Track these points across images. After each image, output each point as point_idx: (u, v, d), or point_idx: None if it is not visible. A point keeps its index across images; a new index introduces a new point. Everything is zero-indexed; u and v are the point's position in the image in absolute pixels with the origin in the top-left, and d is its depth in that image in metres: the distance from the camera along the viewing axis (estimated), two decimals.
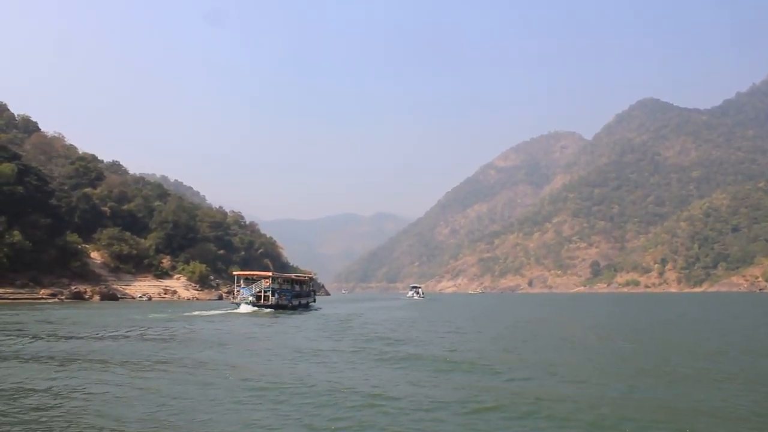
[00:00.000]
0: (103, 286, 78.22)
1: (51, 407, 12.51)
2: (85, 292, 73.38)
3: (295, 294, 60.50)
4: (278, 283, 56.70)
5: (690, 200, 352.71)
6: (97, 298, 73.33)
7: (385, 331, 33.49)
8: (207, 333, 29.86)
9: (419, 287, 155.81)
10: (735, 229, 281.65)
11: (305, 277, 75.91)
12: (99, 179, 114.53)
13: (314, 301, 71.45)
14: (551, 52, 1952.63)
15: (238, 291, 56.40)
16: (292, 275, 73.43)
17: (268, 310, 52.09)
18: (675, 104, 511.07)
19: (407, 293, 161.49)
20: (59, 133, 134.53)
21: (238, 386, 14.80)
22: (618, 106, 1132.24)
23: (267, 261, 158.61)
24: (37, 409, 12.33)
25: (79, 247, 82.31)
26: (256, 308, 52.01)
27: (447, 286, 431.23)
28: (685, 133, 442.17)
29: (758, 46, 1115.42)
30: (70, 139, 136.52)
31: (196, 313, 48.33)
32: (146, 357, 19.74)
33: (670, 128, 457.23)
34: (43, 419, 11.55)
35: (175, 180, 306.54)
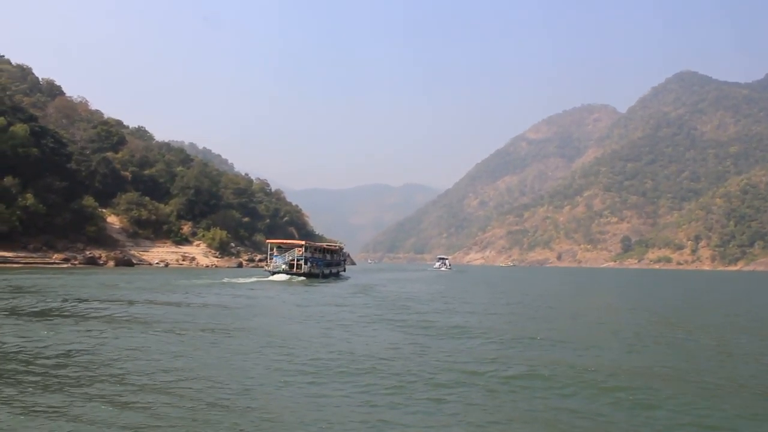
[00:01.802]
0: (118, 252, 76.37)
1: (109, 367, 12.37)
2: (100, 258, 71.59)
3: (326, 263, 61.12)
4: (310, 251, 56.56)
5: (727, 176, 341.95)
6: (111, 263, 71.57)
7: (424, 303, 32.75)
8: (260, 301, 30.37)
9: (446, 258, 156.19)
10: None
11: (336, 246, 76.37)
12: (121, 144, 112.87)
13: (344, 270, 72.28)
14: (587, 23, 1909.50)
15: (271, 259, 56.35)
16: (324, 244, 73.02)
17: (301, 278, 52.24)
18: (714, 77, 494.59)
19: (434, 264, 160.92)
20: (83, 98, 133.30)
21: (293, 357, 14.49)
22: (654, 79, 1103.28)
23: (292, 229, 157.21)
24: (91, 369, 12.18)
25: (96, 211, 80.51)
26: (289, 276, 52.06)
27: (475, 258, 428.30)
28: (723, 108, 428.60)
29: None
30: (110, 111, 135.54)
31: (240, 280, 48.44)
32: (206, 323, 20.14)
33: (708, 102, 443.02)
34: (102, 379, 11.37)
35: (204, 147, 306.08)
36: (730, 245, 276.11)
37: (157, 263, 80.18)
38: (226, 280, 47.98)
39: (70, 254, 68.79)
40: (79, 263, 67.43)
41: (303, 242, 58.00)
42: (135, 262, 76.86)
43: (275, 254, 55.91)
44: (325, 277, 58.31)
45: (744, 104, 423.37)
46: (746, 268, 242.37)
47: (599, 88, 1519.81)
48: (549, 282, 72.73)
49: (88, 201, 78.72)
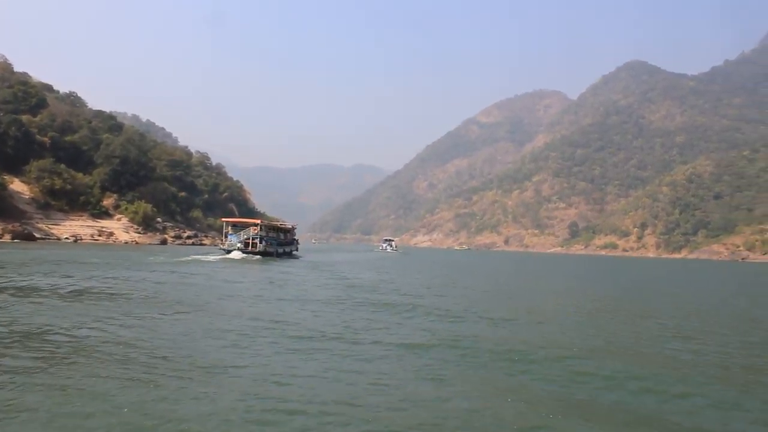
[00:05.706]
0: (18, 224, 67.10)
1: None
2: None
3: (280, 242, 62.23)
4: (265, 231, 57.77)
5: (673, 165, 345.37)
6: (8, 237, 62.76)
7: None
8: (225, 280, 30.16)
9: (392, 240, 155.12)
10: (717, 197, 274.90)
11: (289, 225, 74.59)
12: (41, 107, 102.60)
13: (296, 249, 72.79)
14: (541, 10, 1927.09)
15: (226, 237, 57.30)
16: (278, 223, 73.00)
17: (256, 257, 53.04)
18: (663, 68, 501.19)
19: (380, 246, 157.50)
20: (3, 57, 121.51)
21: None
22: (605, 67, 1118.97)
23: (232, 206, 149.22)
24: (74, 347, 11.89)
25: None
26: (245, 255, 52.78)
27: (422, 240, 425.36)
28: (671, 98, 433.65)
29: (749, 14, 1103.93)
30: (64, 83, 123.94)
31: (210, 258, 48.89)
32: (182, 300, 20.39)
33: (657, 92, 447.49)
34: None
35: (147, 120, 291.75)
36: (675, 233, 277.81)
37: (66, 238, 71.39)
38: (192, 257, 48.13)
39: None
40: None
41: (258, 221, 59.49)
42: (39, 236, 67.89)
43: (230, 233, 56.72)
44: (279, 256, 58.76)
45: (690, 95, 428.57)
46: (690, 256, 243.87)
47: (552, 75, 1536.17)
48: (524, 272, 66.97)
49: None
